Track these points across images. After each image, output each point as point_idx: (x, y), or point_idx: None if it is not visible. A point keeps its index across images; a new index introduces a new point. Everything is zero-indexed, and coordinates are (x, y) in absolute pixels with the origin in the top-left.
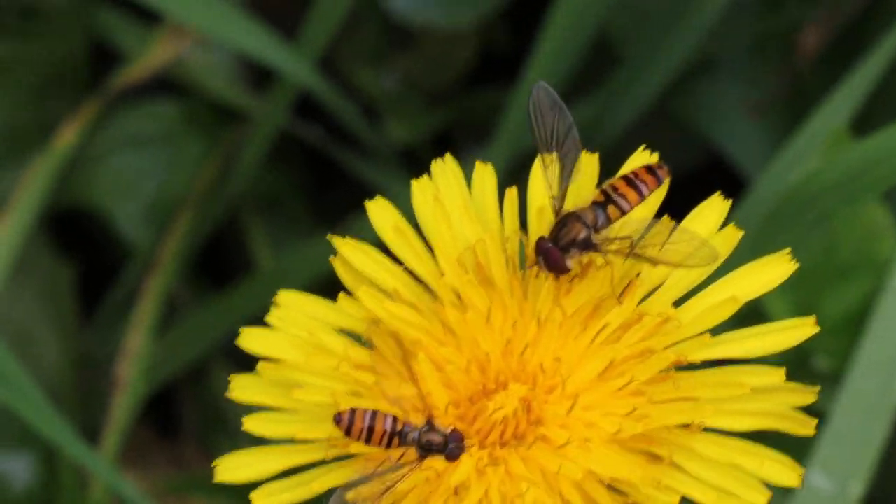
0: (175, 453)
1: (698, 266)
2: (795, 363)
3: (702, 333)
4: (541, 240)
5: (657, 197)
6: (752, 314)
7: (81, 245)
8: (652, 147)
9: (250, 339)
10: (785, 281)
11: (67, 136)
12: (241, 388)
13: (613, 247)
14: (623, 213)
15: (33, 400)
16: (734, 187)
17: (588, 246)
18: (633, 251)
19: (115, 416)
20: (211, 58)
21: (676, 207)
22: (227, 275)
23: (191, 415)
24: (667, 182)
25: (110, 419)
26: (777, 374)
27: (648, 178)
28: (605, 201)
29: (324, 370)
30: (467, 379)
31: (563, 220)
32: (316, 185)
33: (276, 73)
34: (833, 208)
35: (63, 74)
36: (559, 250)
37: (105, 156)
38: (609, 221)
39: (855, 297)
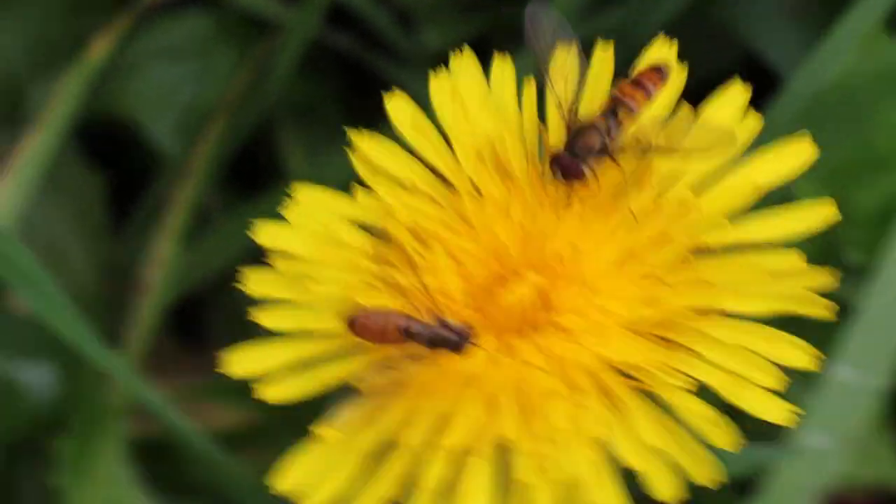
0: (201, 363)
1: (717, 156)
2: (825, 256)
3: (720, 219)
4: (557, 152)
5: (670, 94)
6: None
7: (113, 156)
8: (686, 51)
9: (266, 234)
10: (818, 175)
11: (100, 49)
12: (255, 281)
13: (628, 151)
14: (633, 113)
15: (58, 305)
16: (771, 90)
17: (604, 153)
18: (649, 149)
19: (140, 319)
20: None
21: None
22: (260, 185)
23: (217, 325)
24: (679, 79)
25: (134, 323)
26: (796, 258)
27: (654, 76)
28: (615, 107)
29: (338, 262)
30: (483, 269)
31: (578, 131)
32: (350, 93)
33: None
34: (869, 104)
35: None
36: (577, 161)
37: (137, 68)
38: (620, 126)
39: (888, 189)
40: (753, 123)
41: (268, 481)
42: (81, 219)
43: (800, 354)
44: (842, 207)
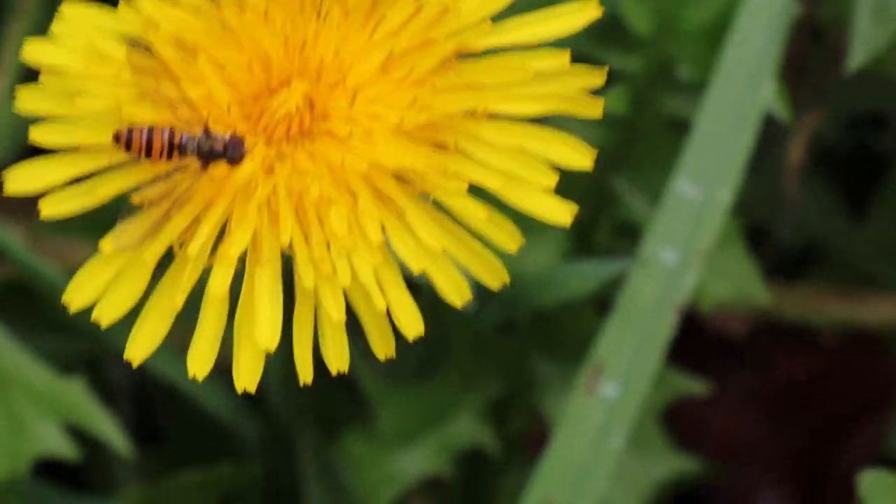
0: None
1: None
2: (659, 73)
3: (482, 21)
4: None
5: None
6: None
7: None
8: None
9: (33, 51)
10: None
11: None
12: (25, 99)
13: None
14: None
15: None
16: None
17: None
18: None
19: None
20: None
21: None
22: None
23: None
24: None
25: None
26: (562, 57)
27: None
28: None
29: (105, 77)
30: (250, 77)
31: None
32: None
33: None
34: None
35: None
36: None
37: None
38: None
39: (716, 4)
40: None
41: (64, 300)
42: None
43: (575, 155)
44: (670, 21)
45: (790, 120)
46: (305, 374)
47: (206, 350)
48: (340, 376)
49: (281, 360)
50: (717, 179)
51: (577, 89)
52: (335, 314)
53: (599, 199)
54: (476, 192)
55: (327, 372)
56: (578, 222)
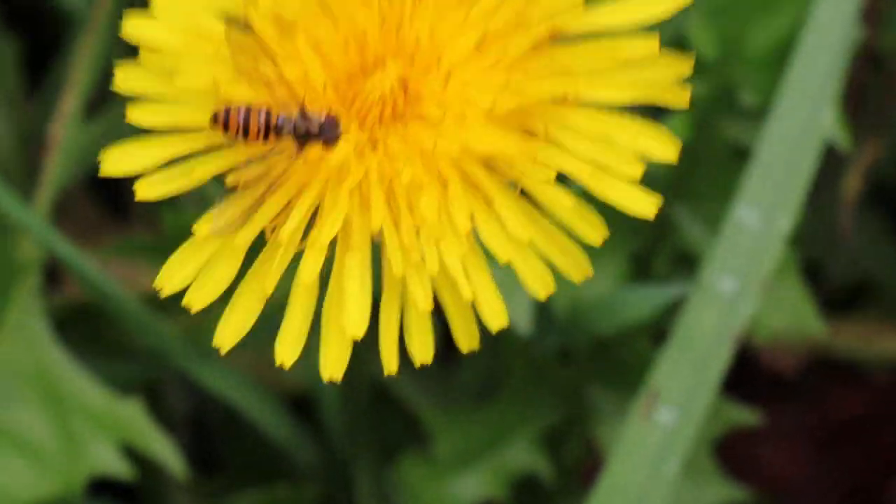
0: (125, 234)
1: None
2: (722, 98)
3: (576, 3)
4: None
5: None
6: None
7: (28, 21)
8: None
9: (133, 27)
10: (708, 10)
11: None
12: (124, 78)
13: None
14: None
15: None
16: None
17: None
18: None
19: (48, 175)
20: None
21: None
22: None
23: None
24: None
25: (43, 178)
26: (651, 45)
27: None
28: None
29: (204, 56)
30: (345, 58)
31: None
32: None
33: None
34: None
35: None
36: None
37: None
38: None
39: (780, 28)
40: None
41: (156, 285)
42: None
43: (662, 146)
44: (734, 47)
45: (849, 149)
46: (390, 363)
47: (295, 337)
48: (397, 402)
49: (339, 384)
50: (776, 207)
51: (665, 77)
52: (422, 302)
53: (658, 226)
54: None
55: (386, 396)
56: (636, 250)
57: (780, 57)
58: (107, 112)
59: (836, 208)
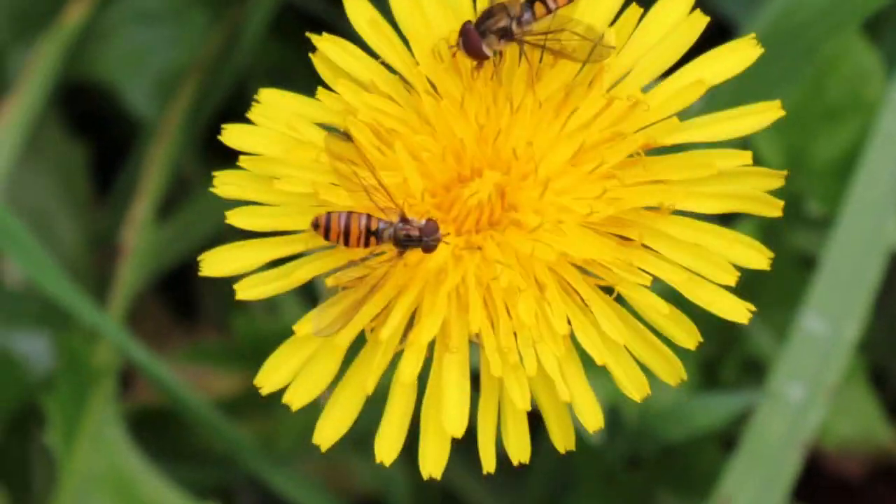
0: (194, 336)
1: (594, 61)
2: (788, 208)
3: (670, 117)
4: (466, 23)
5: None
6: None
7: (95, 123)
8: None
9: (233, 135)
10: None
11: (76, 15)
12: (224, 183)
13: (531, 38)
14: (549, 11)
15: (48, 269)
16: None
17: (507, 35)
18: (544, 44)
19: (121, 283)
20: None
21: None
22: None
23: (209, 297)
24: None
25: (116, 284)
26: (744, 157)
27: None
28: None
29: (303, 162)
30: (443, 166)
31: (491, 9)
32: None
33: None
34: (818, 38)
35: None
36: (479, 34)
37: (112, 32)
38: (534, 17)
39: (844, 139)
40: (699, 21)
41: (256, 383)
42: (66, 187)
43: (754, 255)
44: (800, 158)
45: None
46: (489, 462)
47: (394, 436)
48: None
49: (409, 486)
50: (843, 315)
51: (758, 189)
52: (520, 403)
53: (726, 333)
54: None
55: (455, 501)
56: (705, 357)
57: (844, 167)
58: (177, 216)
59: None
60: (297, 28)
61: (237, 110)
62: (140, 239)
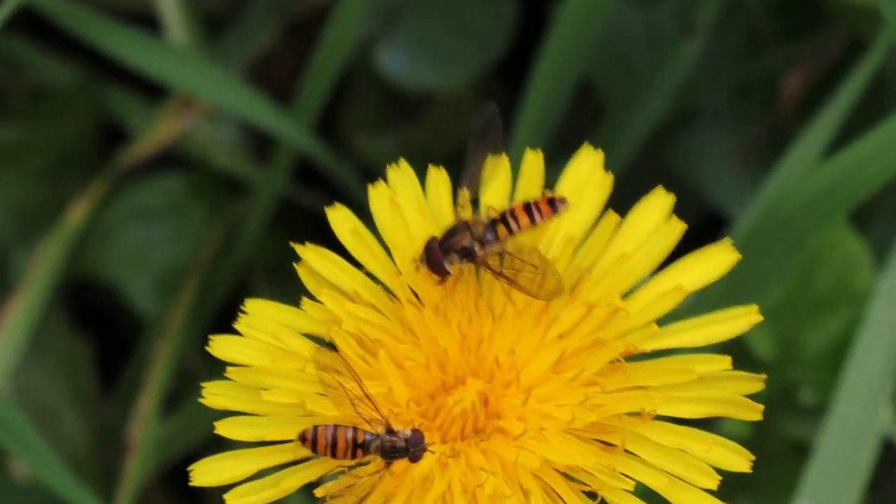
0: None
1: (544, 298)
2: (782, 397)
3: (649, 323)
4: (431, 239)
5: (595, 205)
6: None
7: (98, 319)
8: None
9: (220, 347)
10: (765, 312)
11: (77, 214)
12: (212, 394)
13: (491, 262)
14: (511, 233)
15: (55, 468)
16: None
17: (469, 255)
18: (500, 271)
19: (128, 478)
20: (214, 131)
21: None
22: None
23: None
24: (604, 189)
25: (123, 482)
26: (723, 362)
27: (545, 208)
28: (500, 220)
29: (289, 372)
30: (427, 375)
31: (455, 228)
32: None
33: (275, 140)
34: (807, 229)
35: (73, 154)
36: (441, 252)
37: (114, 230)
38: (497, 238)
39: (836, 329)
40: (677, 227)
41: None
42: (71, 383)
43: (734, 457)
44: (792, 348)
45: None
46: None
47: None
48: None
49: None
50: (836, 502)
51: (737, 393)
52: None
53: None
54: None
55: None
56: None
57: (836, 356)
58: (181, 410)
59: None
60: (296, 222)
61: (240, 304)
62: (145, 433)
